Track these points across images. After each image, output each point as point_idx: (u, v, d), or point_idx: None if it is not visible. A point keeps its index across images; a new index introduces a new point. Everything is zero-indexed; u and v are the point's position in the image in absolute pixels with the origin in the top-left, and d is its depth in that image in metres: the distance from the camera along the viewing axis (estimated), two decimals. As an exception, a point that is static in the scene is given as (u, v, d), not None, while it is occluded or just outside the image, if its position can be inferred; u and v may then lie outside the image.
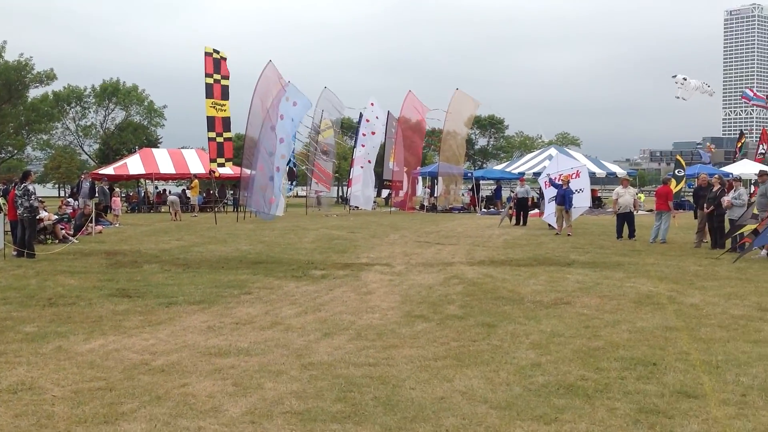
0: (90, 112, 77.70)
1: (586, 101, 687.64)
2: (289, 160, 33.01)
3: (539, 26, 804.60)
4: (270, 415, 5.40)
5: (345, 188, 56.29)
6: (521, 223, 27.26)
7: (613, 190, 24.71)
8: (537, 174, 34.30)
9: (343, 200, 51.47)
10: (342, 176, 61.25)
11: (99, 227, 22.94)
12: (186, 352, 7.29)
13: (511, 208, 28.57)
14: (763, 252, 16.00)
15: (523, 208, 27.81)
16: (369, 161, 37.96)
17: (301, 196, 52.65)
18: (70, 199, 29.02)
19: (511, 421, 5.20)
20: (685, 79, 43.63)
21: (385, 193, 44.22)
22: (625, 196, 21.28)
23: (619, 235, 20.80)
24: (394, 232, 22.99)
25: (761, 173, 17.70)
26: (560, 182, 23.01)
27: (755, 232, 15.73)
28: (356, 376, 6.38)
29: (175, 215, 31.61)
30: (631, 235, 20.61)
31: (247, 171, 29.80)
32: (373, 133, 38.11)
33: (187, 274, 13.02)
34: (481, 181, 44.78)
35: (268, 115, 28.83)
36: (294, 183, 41.36)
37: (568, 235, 21.72)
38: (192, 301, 10.22)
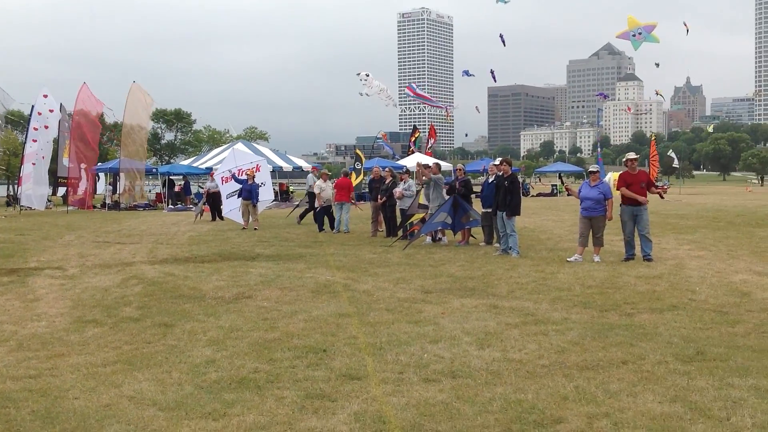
0: None
1: (276, 96, 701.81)
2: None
3: (224, 21, 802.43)
4: None
5: (15, 187, 51.48)
6: (218, 218, 26.85)
7: (301, 183, 25.26)
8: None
9: (14, 200, 46.96)
10: (12, 174, 55.96)
11: None
12: None
13: (204, 203, 28.07)
14: (428, 239, 17.51)
15: (216, 202, 27.46)
16: (42, 157, 35.11)
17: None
18: None
19: (179, 422, 5.11)
20: (368, 75, 46.12)
21: (61, 191, 41.16)
22: (327, 189, 21.88)
23: (321, 227, 21.34)
24: (70, 233, 21.54)
25: (425, 166, 19.32)
26: (244, 177, 23.14)
27: (423, 220, 17.18)
28: (13, 391, 5.86)
29: None
30: (322, 227, 21.24)
31: None
32: (47, 127, 35.22)
33: None
34: (173, 177, 43.51)
35: None
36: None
37: (255, 229, 21.95)
38: None
